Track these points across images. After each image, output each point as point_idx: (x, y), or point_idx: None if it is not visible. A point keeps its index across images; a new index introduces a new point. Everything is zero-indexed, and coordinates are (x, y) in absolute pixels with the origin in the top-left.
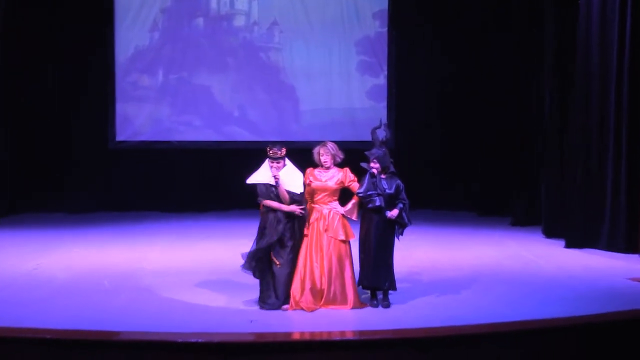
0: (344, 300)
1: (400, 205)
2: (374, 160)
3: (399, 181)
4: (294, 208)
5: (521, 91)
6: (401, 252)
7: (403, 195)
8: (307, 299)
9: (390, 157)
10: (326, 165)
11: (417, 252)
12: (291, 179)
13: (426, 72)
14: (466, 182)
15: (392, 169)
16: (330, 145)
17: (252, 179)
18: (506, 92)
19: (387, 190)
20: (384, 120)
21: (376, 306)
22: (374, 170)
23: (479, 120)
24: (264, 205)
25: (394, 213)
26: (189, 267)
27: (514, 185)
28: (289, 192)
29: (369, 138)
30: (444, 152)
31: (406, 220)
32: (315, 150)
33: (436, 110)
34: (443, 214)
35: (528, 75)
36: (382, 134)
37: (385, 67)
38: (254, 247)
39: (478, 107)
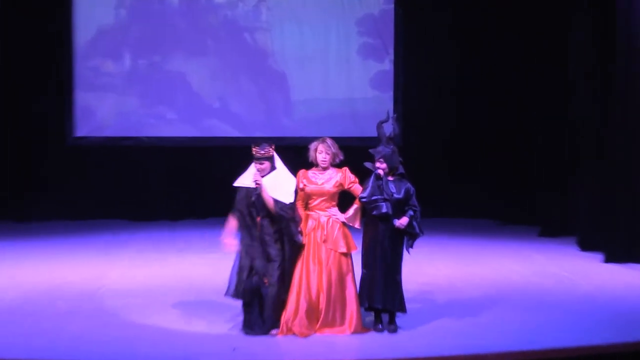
0: (344, 324)
1: (411, 212)
2: (380, 160)
3: (408, 184)
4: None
5: (550, 85)
6: (410, 266)
7: (414, 200)
8: (302, 322)
9: (399, 156)
10: (323, 165)
11: (429, 267)
12: (280, 184)
13: (439, 57)
14: (486, 185)
15: (401, 170)
16: (330, 142)
17: (238, 181)
18: (532, 85)
19: (395, 195)
20: (392, 113)
21: (381, 331)
22: (380, 172)
23: (501, 114)
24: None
25: (403, 221)
26: (160, 286)
27: (543, 189)
28: (276, 202)
29: (373, 134)
30: (459, 150)
31: (417, 229)
32: (312, 146)
33: (451, 102)
34: (459, 222)
35: (555, 71)
36: (389, 128)
37: (391, 51)
38: (237, 267)
39: (499, 100)
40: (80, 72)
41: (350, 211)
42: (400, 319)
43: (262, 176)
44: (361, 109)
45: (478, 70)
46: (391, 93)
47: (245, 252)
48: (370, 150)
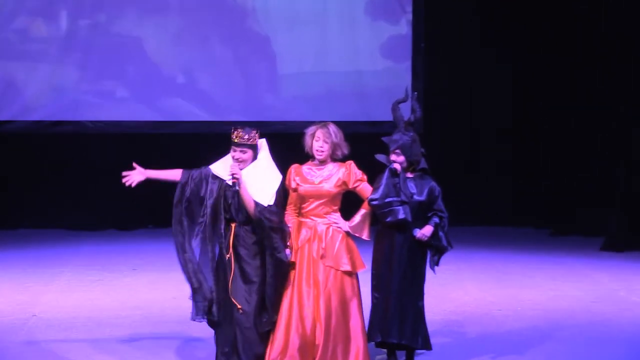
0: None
1: (436, 219)
2: (397, 151)
3: (433, 183)
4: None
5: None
6: (434, 290)
7: (439, 204)
8: None
9: (421, 147)
10: (320, 157)
11: (458, 290)
12: (259, 180)
13: (471, 16)
14: (531, 185)
15: (423, 164)
16: (333, 128)
17: (212, 167)
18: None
19: (416, 197)
20: (412, 90)
21: None
22: (397, 166)
23: (550, 97)
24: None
25: (426, 231)
26: (108, 314)
27: (606, 193)
28: (255, 204)
29: (386, 117)
30: (497, 138)
31: (444, 241)
32: (309, 132)
33: (486, 76)
34: (495, 231)
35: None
36: (408, 111)
37: (409, 8)
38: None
39: (547, 77)
40: (3, 37)
41: (357, 218)
42: (421, 357)
43: (241, 169)
44: (370, 84)
45: (521, 32)
46: (408, 63)
47: (193, 270)
48: (384, 139)
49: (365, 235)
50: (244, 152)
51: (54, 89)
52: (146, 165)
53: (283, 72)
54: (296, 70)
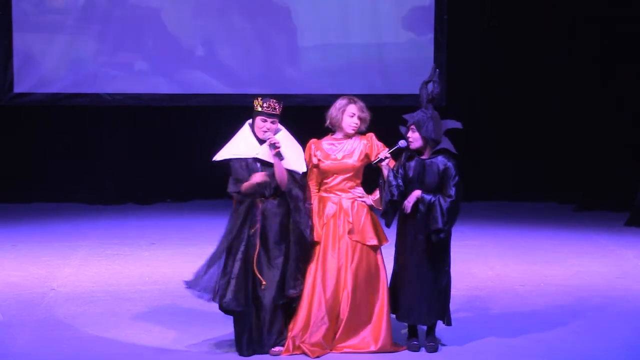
0: (370, 339)
1: (431, 197)
2: (412, 127)
3: (450, 164)
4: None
5: None
6: (457, 265)
7: (450, 186)
8: (315, 337)
9: (441, 125)
10: (351, 131)
11: (480, 265)
12: (291, 151)
13: None
14: (554, 160)
15: (445, 144)
16: (362, 103)
17: (222, 154)
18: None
19: (414, 180)
20: (434, 68)
21: (417, 349)
22: (401, 143)
23: (577, 70)
24: (239, 196)
25: (408, 200)
26: (126, 289)
27: (632, 166)
28: (291, 173)
29: (407, 90)
30: (520, 113)
31: (440, 223)
32: (339, 106)
33: (512, 48)
34: (518, 206)
35: None
36: (430, 87)
37: None
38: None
39: (580, 52)
40: (20, 8)
41: (379, 192)
42: (441, 332)
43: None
44: (391, 57)
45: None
46: (431, 35)
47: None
48: (404, 116)
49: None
50: (274, 123)
51: (72, 61)
52: (162, 137)
53: (304, 44)
54: (317, 43)
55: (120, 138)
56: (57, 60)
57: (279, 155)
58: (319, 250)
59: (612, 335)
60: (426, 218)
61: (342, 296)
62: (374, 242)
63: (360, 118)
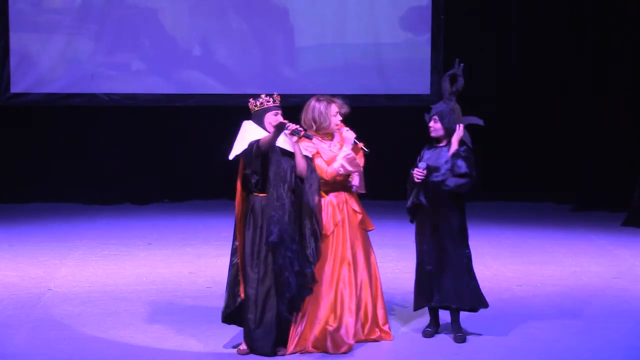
0: (374, 327)
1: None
2: (435, 118)
3: (462, 148)
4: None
5: None
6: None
7: (460, 162)
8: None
9: (461, 116)
10: (336, 129)
11: (478, 264)
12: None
13: None
14: (552, 159)
15: (464, 136)
16: (339, 100)
17: (237, 149)
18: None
19: (431, 166)
20: (458, 63)
21: (430, 335)
22: (434, 133)
23: (576, 70)
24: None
25: (453, 144)
26: (123, 289)
27: (629, 166)
28: (307, 158)
29: (404, 90)
30: (516, 112)
31: (465, 167)
32: (323, 109)
33: (510, 48)
34: (516, 206)
35: None
36: (447, 82)
37: None
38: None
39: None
40: (16, 8)
41: (355, 177)
42: (442, 332)
43: None
44: (389, 57)
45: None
46: (428, 36)
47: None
48: (431, 106)
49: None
50: (281, 115)
51: (69, 61)
52: (159, 137)
53: (301, 44)
54: (314, 43)
55: (117, 138)
56: (54, 60)
57: (307, 137)
58: (331, 242)
59: (609, 336)
60: (447, 175)
61: (353, 289)
62: (371, 226)
63: (341, 114)
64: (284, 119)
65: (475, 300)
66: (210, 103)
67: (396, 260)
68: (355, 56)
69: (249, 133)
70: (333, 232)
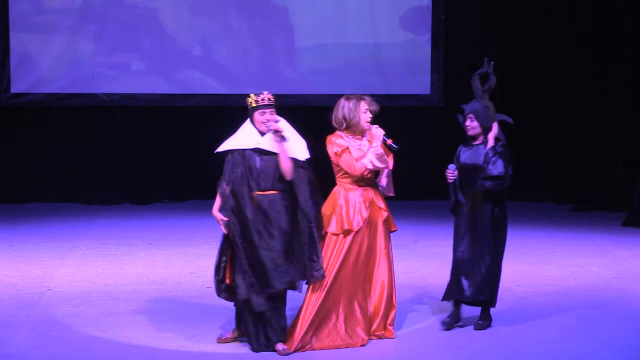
0: (381, 324)
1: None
2: (470, 116)
3: (497, 144)
4: None
5: None
6: (449, 264)
7: (495, 159)
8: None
9: (495, 112)
10: (367, 127)
11: None
12: (292, 136)
13: None
14: (553, 160)
15: (499, 133)
16: (368, 97)
17: (223, 146)
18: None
19: (468, 162)
20: (488, 60)
21: (447, 325)
22: (471, 132)
23: (575, 70)
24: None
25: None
26: (123, 289)
27: (628, 165)
28: (294, 161)
29: (404, 90)
30: (518, 112)
31: (501, 169)
32: (352, 107)
33: (510, 48)
34: (516, 206)
35: None
36: (477, 81)
37: None
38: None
39: (576, 51)
40: (16, 8)
41: (383, 176)
42: (441, 332)
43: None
44: (389, 57)
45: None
46: (428, 35)
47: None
48: (462, 106)
49: (392, 192)
50: (272, 113)
51: (69, 61)
52: (159, 137)
53: (301, 44)
54: (314, 43)
55: (117, 138)
56: (54, 60)
57: (282, 138)
58: (357, 241)
59: (609, 336)
60: (482, 171)
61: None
62: (395, 227)
63: (371, 112)
64: (283, 119)
65: (494, 296)
66: (210, 103)
67: (396, 261)
68: (355, 56)
69: (239, 135)
70: (360, 229)
